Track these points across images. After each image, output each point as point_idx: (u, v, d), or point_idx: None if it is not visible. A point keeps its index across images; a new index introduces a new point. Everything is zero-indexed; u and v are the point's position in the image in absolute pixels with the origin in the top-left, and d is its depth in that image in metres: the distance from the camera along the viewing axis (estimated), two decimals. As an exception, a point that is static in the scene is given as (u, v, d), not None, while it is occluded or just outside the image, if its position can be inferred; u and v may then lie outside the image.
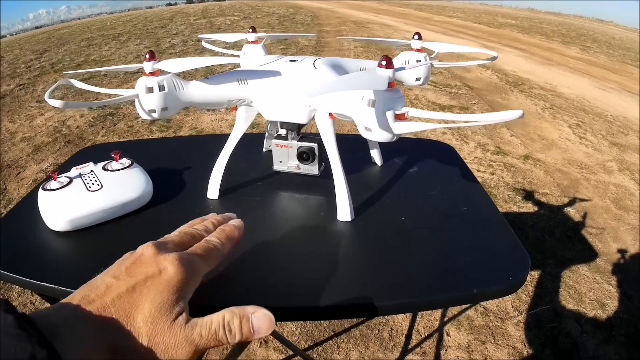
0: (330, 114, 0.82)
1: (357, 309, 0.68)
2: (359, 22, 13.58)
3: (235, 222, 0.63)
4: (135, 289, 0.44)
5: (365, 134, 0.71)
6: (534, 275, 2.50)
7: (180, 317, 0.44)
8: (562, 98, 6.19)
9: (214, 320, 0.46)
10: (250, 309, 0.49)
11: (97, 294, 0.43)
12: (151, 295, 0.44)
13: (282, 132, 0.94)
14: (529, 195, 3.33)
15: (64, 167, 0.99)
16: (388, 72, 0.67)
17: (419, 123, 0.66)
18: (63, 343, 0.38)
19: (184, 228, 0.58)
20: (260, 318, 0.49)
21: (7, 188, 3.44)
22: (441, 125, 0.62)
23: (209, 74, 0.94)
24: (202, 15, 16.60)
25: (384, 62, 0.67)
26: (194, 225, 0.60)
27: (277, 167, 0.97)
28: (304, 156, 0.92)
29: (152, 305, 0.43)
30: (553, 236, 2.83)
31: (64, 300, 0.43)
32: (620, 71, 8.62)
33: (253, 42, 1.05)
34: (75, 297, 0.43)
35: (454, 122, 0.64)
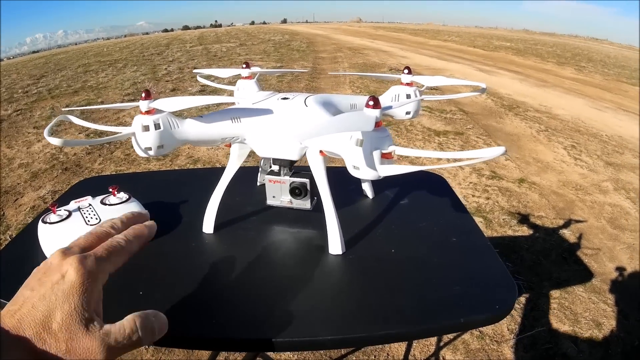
0: (321, 151, 0.84)
1: (348, 340, 0.69)
2: (354, 49, 13.64)
3: (149, 223, 0.64)
4: (45, 297, 0.46)
5: (353, 172, 0.73)
6: (529, 297, 2.50)
7: (95, 323, 0.46)
8: (557, 120, 6.22)
9: (126, 325, 0.48)
10: (150, 312, 0.52)
11: (16, 307, 0.46)
12: (59, 301, 0.46)
13: (275, 168, 0.95)
14: (524, 219, 3.34)
15: (62, 200, 1.01)
16: (375, 112, 0.69)
17: (403, 166, 0.68)
18: None
19: (92, 229, 0.59)
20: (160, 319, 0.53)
21: (5, 214, 3.45)
22: (425, 168, 0.64)
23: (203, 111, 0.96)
24: (198, 42, 16.69)
25: (371, 102, 0.69)
26: (104, 223, 0.61)
27: (270, 201, 0.98)
28: (296, 191, 0.93)
29: (62, 312, 0.45)
30: (549, 258, 2.84)
31: None
32: (616, 90, 8.68)
33: (247, 77, 1.07)
34: (3, 312, 0.46)
35: (439, 160, 0.66)
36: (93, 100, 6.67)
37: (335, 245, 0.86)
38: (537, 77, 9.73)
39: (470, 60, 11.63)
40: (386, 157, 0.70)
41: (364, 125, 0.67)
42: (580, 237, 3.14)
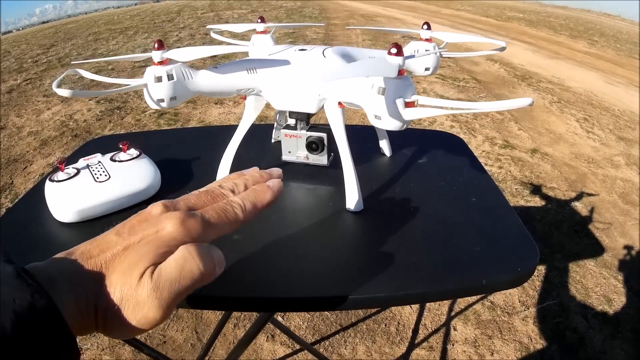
0: (339, 103, 0.81)
1: (365, 300, 0.67)
2: (367, 15, 13.55)
3: (273, 182, 0.56)
4: (128, 248, 0.42)
5: (375, 122, 0.71)
6: (541, 269, 2.49)
7: (148, 270, 0.41)
8: (569, 92, 6.16)
9: (178, 256, 0.43)
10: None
11: (97, 250, 0.42)
12: (137, 253, 0.42)
13: (291, 122, 0.93)
14: (536, 189, 3.32)
15: (71, 159, 0.99)
16: (398, 60, 0.66)
17: (429, 109, 0.65)
18: (60, 294, 0.38)
19: (210, 185, 0.55)
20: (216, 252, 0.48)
21: (14, 182, 3.46)
22: (452, 111, 0.62)
23: (216, 63, 0.93)
24: (209, 8, 16.57)
25: (394, 50, 0.66)
26: (224, 182, 0.55)
27: (285, 157, 0.96)
28: (313, 146, 0.91)
29: (130, 262, 0.41)
30: (560, 230, 2.82)
31: (64, 253, 0.42)
32: (628, 65, 8.56)
33: (262, 32, 1.05)
34: (77, 250, 0.42)
35: (463, 109, 0.63)
36: (104, 67, 6.63)
37: (353, 201, 0.84)
38: (550, 49, 9.62)
39: (483, 30, 11.49)
40: (410, 106, 0.67)
41: (387, 71, 0.64)
42: (592, 211, 3.13)
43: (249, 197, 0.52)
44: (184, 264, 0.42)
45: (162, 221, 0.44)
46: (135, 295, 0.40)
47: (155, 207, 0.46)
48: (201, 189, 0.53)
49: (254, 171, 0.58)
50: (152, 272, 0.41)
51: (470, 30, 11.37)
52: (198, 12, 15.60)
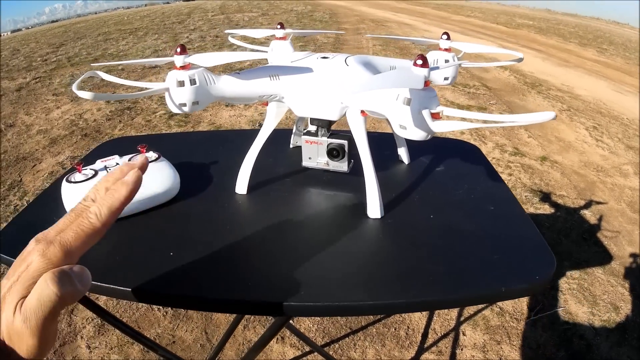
0: (362, 112, 0.82)
1: (387, 307, 0.68)
2: (377, 21, 13.52)
3: (129, 175, 0.56)
4: (11, 289, 0.45)
5: (400, 132, 0.71)
6: (550, 276, 2.49)
7: (18, 304, 0.44)
8: (579, 100, 6.14)
9: (35, 288, 0.45)
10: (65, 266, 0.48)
11: None
12: (13, 291, 0.45)
13: (312, 128, 0.93)
14: (546, 197, 3.31)
15: (88, 159, 0.99)
16: (424, 71, 0.67)
17: (457, 122, 0.66)
18: None
19: (77, 203, 0.54)
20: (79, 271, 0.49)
21: (23, 180, 3.47)
22: (479, 125, 0.62)
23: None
24: (220, 11, 16.58)
25: (419, 62, 0.67)
26: (89, 192, 0.55)
27: (306, 163, 0.96)
28: (333, 153, 0.91)
29: (9, 301, 0.44)
30: (569, 238, 2.82)
31: None
32: (637, 74, 8.53)
33: (281, 38, 1.05)
34: None
35: (491, 122, 0.64)
36: (114, 68, 6.63)
37: (374, 208, 0.85)
38: (559, 57, 9.60)
39: (494, 37, 11.47)
40: (435, 117, 0.68)
41: (413, 83, 0.65)
42: (600, 219, 3.12)
43: (104, 202, 0.53)
44: (41, 292, 0.44)
45: (28, 257, 0.47)
46: (14, 328, 0.43)
47: (29, 244, 0.48)
48: (73, 207, 0.54)
49: (117, 168, 0.59)
50: (21, 305, 0.44)
51: (481, 37, 11.36)
52: (208, 14, 15.62)
